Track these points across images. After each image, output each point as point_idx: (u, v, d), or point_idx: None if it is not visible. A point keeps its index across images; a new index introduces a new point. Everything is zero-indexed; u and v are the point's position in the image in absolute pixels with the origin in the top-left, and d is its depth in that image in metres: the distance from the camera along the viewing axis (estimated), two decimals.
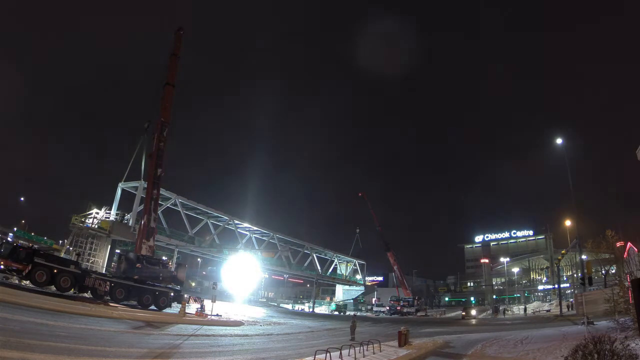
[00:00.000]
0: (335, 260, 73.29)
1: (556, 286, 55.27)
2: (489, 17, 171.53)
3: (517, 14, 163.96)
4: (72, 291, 21.20)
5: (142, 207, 34.61)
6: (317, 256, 67.58)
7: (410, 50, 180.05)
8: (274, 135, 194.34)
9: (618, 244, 36.88)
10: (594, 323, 24.29)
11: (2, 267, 19.40)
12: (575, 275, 60.38)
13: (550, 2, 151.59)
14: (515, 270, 77.93)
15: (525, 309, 54.67)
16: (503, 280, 76.57)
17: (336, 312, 59.06)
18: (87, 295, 22.03)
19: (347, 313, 61.50)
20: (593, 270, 41.25)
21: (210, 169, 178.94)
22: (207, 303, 27.41)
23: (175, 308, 24.79)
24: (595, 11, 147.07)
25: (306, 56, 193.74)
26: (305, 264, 66.32)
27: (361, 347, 15.08)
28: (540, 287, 72.72)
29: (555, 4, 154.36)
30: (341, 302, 69.33)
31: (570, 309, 44.30)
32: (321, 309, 64.96)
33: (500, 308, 58.41)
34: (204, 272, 77.44)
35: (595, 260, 42.88)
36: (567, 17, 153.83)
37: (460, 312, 55.50)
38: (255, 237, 57.85)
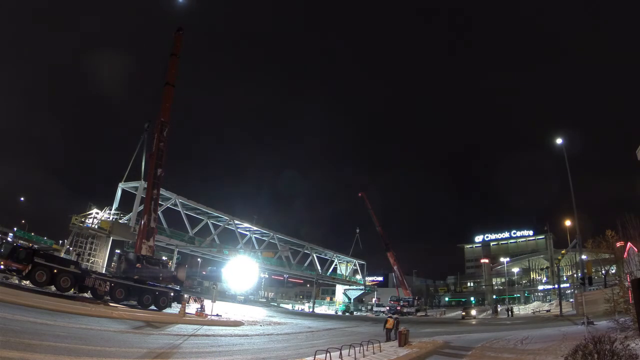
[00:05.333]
0: (335, 260, 73.27)
1: (556, 286, 55.26)
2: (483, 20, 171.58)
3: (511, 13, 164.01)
4: (72, 291, 21.18)
5: (142, 207, 34.61)
6: (317, 256, 67.56)
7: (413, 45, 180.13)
8: (274, 135, 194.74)
9: (618, 244, 36.73)
10: (594, 323, 24.27)
11: (2, 267, 19.38)
12: (575, 275, 60.36)
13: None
14: (515, 270, 77.96)
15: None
16: (503, 280, 76.58)
17: (347, 313, 59.28)
18: (87, 295, 22.01)
19: (356, 313, 61.60)
20: (593, 270, 41.26)
21: (210, 169, 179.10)
22: (207, 303, 27.39)
23: (175, 308, 24.78)
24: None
25: (306, 55, 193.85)
26: (305, 264, 66.33)
27: (361, 347, 15.07)
28: (540, 287, 72.73)
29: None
30: (350, 303, 69.74)
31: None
32: (321, 309, 65.00)
33: (499, 309, 58.23)
34: (204, 272, 77.42)
35: (595, 260, 42.85)
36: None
37: (460, 312, 55.53)
38: (255, 237, 57.84)
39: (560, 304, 45.16)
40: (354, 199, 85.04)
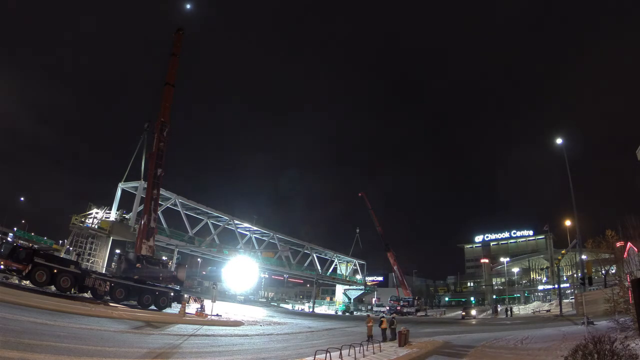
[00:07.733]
0: (335, 260, 73.27)
1: (556, 286, 55.23)
2: (492, 14, 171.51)
3: (516, 13, 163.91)
4: (72, 291, 21.18)
5: (142, 207, 34.58)
6: (317, 256, 67.55)
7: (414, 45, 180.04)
8: (274, 135, 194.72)
9: (618, 244, 36.78)
10: (594, 323, 24.28)
11: (2, 267, 19.39)
12: (575, 275, 60.33)
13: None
14: (515, 270, 77.93)
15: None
16: (503, 280, 76.55)
17: (347, 313, 59.33)
18: (87, 295, 22.02)
19: (356, 313, 61.56)
20: (593, 270, 41.24)
21: (210, 169, 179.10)
22: (207, 303, 27.39)
23: (175, 308, 24.78)
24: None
25: (306, 55, 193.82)
26: (305, 264, 66.32)
27: (361, 347, 15.08)
28: (540, 287, 72.68)
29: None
30: (350, 303, 69.77)
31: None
32: (321, 309, 64.96)
33: (499, 309, 58.13)
34: (204, 272, 77.41)
35: (595, 260, 42.81)
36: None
37: (460, 312, 55.49)
38: (255, 237, 57.81)
39: (560, 304, 45.13)
40: (354, 199, 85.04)
